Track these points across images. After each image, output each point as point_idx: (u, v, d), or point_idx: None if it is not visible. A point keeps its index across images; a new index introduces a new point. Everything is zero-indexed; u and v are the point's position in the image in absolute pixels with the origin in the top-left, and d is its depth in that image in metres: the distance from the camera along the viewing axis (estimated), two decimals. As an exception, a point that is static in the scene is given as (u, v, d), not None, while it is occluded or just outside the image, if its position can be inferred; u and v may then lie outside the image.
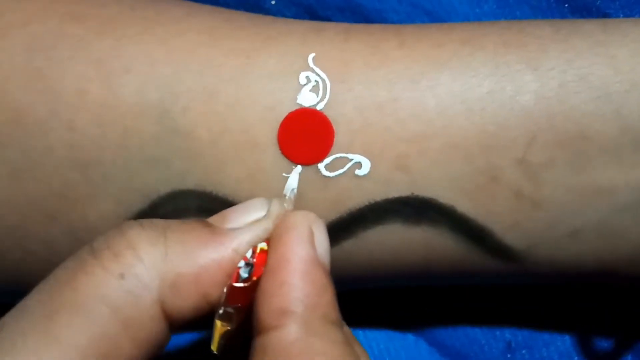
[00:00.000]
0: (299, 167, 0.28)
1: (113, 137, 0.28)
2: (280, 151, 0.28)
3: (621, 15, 0.34)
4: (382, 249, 0.29)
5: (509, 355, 0.36)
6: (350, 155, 0.28)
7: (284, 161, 0.28)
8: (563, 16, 0.35)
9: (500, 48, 0.29)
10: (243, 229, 0.25)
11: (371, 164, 0.28)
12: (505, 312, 0.36)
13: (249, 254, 0.25)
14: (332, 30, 0.30)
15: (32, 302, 0.24)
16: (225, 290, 0.25)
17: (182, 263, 0.24)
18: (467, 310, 0.37)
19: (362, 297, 0.36)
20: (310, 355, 0.23)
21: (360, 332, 0.37)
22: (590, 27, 0.29)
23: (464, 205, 0.28)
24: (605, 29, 0.29)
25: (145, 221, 0.25)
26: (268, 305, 0.24)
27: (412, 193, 0.28)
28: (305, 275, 0.24)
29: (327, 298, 0.24)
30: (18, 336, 0.23)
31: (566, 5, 0.35)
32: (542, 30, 0.29)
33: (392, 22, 0.36)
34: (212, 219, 0.26)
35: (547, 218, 0.28)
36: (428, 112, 0.28)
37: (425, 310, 0.37)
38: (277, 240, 0.25)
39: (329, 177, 0.28)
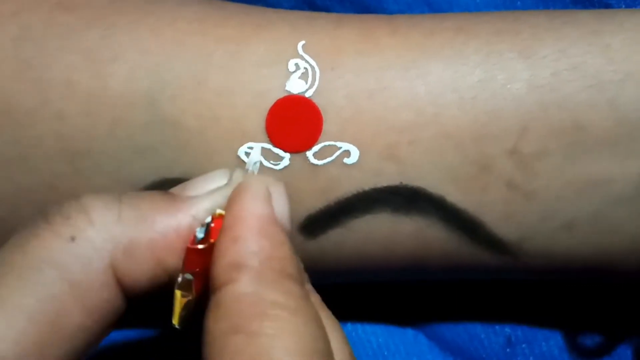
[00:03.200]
0: (259, 146, 0.28)
1: (102, 127, 0.28)
2: (268, 139, 0.28)
3: (623, 7, 0.34)
4: (372, 239, 0.29)
5: (508, 350, 0.36)
6: (339, 144, 0.28)
7: (272, 149, 0.28)
8: (565, 7, 0.35)
9: (493, 36, 0.28)
10: (202, 196, 0.25)
11: (360, 153, 0.28)
12: (505, 307, 0.36)
13: (207, 220, 0.24)
14: (323, 19, 0.30)
15: None
16: (183, 256, 0.24)
17: (136, 228, 0.24)
18: (466, 305, 0.36)
19: (360, 291, 0.36)
20: (263, 306, 0.22)
21: (359, 327, 0.36)
22: (585, 17, 0.28)
23: (454, 195, 0.28)
24: (600, 18, 0.28)
25: (102, 191, 0.25)
26: (221, 261, 0.23)
27: (401, 182, 0.28)
28: (260, 231, 0.23)
29: (283, 252, 0.24)
30: None
31: (568, -3, 0.35)
32: (537, 19, 0.29)
33: (392, 12, 0.36)
34: (173, 189, 0.25)
35: (540, 210, 0.28)
36: (419, 100, 0.28)
37: (425, 305, 0.37)
38: (233, 200, 0.24)
39: (317, 165, 0.28)
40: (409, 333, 0.36)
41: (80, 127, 0.28)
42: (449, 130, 0.28)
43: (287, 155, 0.28)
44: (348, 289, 0.35)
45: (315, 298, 0.25)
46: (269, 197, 0.24)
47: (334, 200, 0.28)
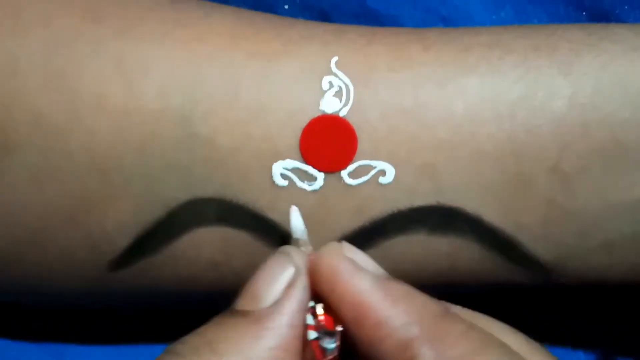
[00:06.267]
0: (295, 208, 0.27)
1: (133, 143, 0.28)
2: (302, 158, 0.27)
3: (640, 24, 0.34)
4: (406, 259, 0.29)
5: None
6: (374, 163, 0.27)
7: (307, 169, 0.28)
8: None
9: (531, 52, 0.28)
10: (284, 300, 0.24)
11: (396, 172, 0.27)
12: (538, 327, 0.36)
13: (310, 321, 0.24)
14: (354, 33, 0.29)
15: None
16: None
17: None
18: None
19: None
20: (460, 355, 0.22)
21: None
22: (623, 32, 0.28)
23: (492, 215, 0.28)
24: (639, 33, 0.28)
25: (182, 349, 0.23)
26: (385, 352, 0.23)
27: (438, 202, 0.27)
28: (387, 301, 0.23)
29: (420, 299, 0.24)
30: None
31: (584, 13, 0.35)
32: (573, 34, 0.28)
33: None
34: (242, 304, 0.24)
35: (579, 229, 0.28)
36: (456, 118, 0.27)
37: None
38: (333, 295, 0.24)
39: (351, 185, 0.28)
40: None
41: (111, 143, 0.28)
42: (486, 148, 0.27)
43: (321, 175, 0.28)
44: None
45: (466, 314, 0.25)
46: (355, 264, 0.24)
47: (369, 220, 0.28)
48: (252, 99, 0.27)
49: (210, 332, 0.24)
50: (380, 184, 0.27)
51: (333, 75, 0.28)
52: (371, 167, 0.27)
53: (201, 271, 0.29)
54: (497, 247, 0.28)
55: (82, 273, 0.30)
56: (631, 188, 0.27)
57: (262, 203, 0.28)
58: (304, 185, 0.28)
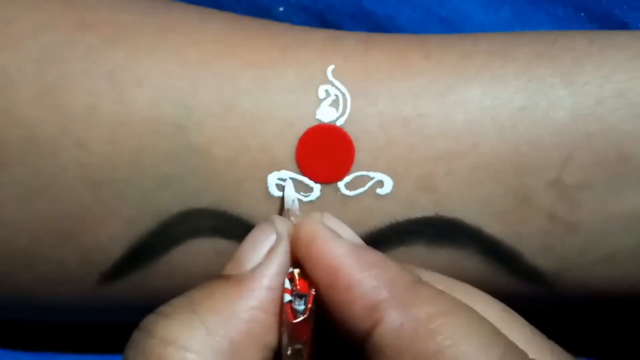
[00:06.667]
0: (290, 180, 0.27)
1: (126, 155, 0.27)
2: (298, 169, 0.27)
3: (640, 26, 0.33)
4: None
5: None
6: (371, 174, 0.27)
7: (303, 180, 0.27)
8: (581, 24, 0.34)
9: (533, 60, 0.27)
10: (264, 264, 0.24)
11: (394, 183, 0.27)
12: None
13: (287, 284, 0.24)
14: (351, 40, 0.28)
15: None
16: (285, 330, 0.24)
17: (227, 329, 0.23)
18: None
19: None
20: (424, 326, 0.22)
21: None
22: (626, 39, 0.28)
23: (492, 227, 0.27)
24: None
25: (165, 308, 0.24)
26: (354, 314, 0.23)
27: (437, 213, 0.27)
28: (360, 266, 0.23)
29: (393, 267, 0.23)
30: None
31: (582, 14, 0.34)
32: (575, 42, 0.28)
33: (406, 29, 0.35)
34: (228, 269, 0.25)
35: (581, 242, 0.27)
36: (456, 128, 0.27)
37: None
38: (309, 259, 0.24)
39: (349, 196, 0.27)
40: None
41: (103, 155, 0.27)
42: (487, 160, 0.27)
43: (317, 186, 0.27)
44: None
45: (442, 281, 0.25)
46: (334, 233, 0.24)
47: (366, 232, 0.27)
48: (247, 108, 0.27)
49: (194, 294, 0.24)
50: (378, 195, 0.27)
51: (329, 84, 0.27)
52: (369, 178, 0.27)
53: (195, 282, 0.29)
54: (497, 259, 0.28)
55: (76, 285, 0.29)
56: (634, 200, 0.27)
57: (256, 214, 0.27)
58: (300, 197, 0.27)
